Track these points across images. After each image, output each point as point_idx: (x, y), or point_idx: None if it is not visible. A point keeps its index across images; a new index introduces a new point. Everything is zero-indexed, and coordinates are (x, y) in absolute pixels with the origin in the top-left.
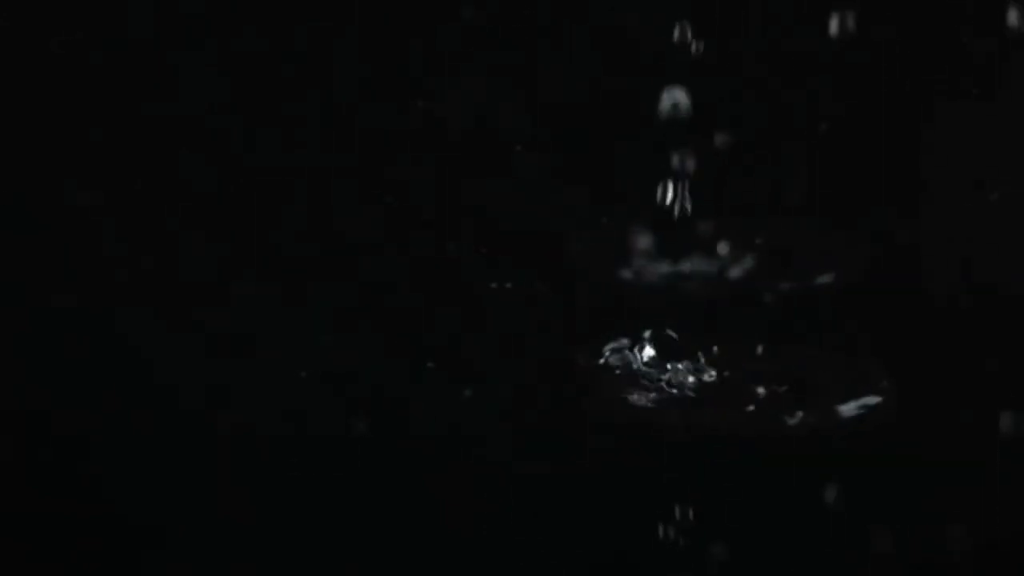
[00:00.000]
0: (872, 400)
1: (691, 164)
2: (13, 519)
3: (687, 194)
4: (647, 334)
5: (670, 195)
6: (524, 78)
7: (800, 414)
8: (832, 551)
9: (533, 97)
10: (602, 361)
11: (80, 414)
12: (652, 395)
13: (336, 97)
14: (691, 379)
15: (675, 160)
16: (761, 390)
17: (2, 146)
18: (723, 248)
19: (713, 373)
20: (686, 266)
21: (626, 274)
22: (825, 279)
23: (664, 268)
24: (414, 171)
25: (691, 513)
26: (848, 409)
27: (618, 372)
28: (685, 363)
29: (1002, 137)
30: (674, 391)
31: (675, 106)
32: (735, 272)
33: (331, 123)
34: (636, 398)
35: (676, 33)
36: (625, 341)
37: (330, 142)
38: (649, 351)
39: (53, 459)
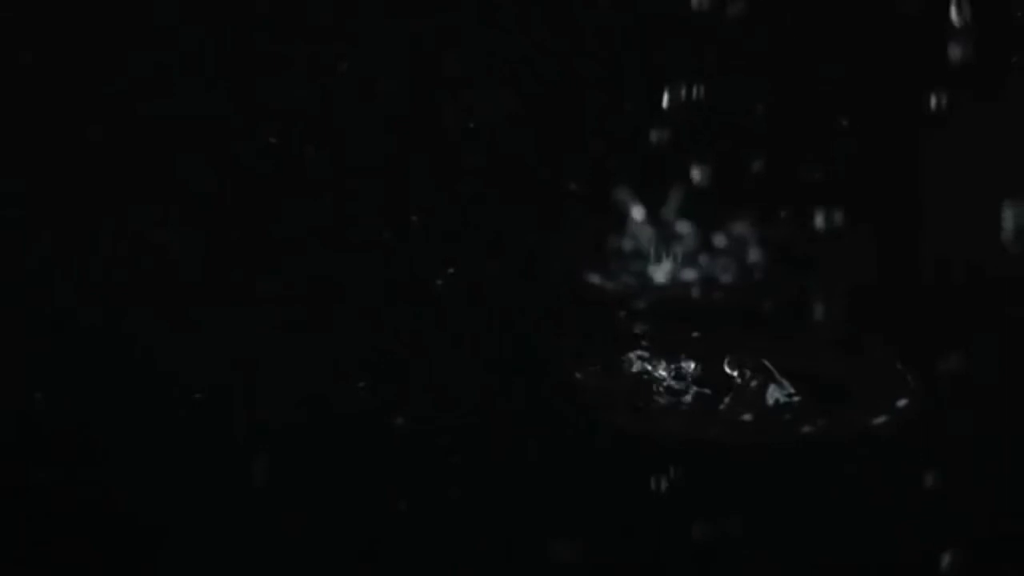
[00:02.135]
0: (898, 402)
1: (688, 165)
2: (13, 519)
3: (686, 195)
4: (645, 337)
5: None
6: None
7: (809, 419)
8: (833, 551)
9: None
10: (601, 366)
11: (80, 414)
12: (651, 401)
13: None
14: (692, 386)
15: (671, 161)
16: (764, 394)
17: (2, 146)
18: (724, 249)
19: (713, 376)
20: (687, 267)
21: (624, 276)
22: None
23: (663, 270)
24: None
25: (692, 514)
26: (872, 411)
27: (616, 377)
28: (685, 367)
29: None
30: (674, 398)
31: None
32: (734, 273)
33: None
34: (635, 404)
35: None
36: (624, 345)
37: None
38: (649, 355)
39: (53, 459)
